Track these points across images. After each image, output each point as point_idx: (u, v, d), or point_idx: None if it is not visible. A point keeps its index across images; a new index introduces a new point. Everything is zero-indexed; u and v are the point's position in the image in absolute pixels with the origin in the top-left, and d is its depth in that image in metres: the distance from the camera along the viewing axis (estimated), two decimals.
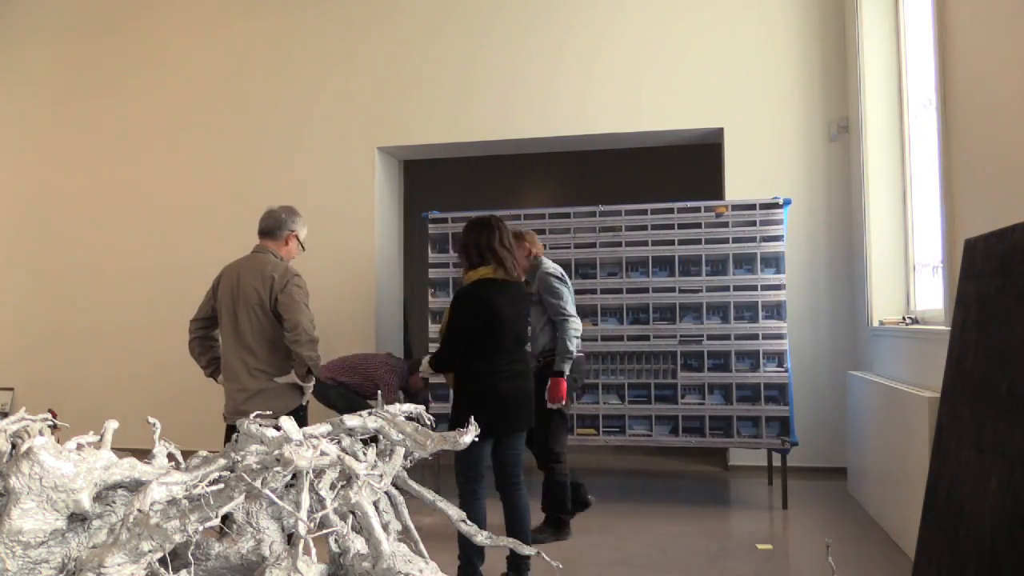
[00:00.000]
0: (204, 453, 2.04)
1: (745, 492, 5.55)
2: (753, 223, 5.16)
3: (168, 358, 7.03)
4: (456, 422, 3.45)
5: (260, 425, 2.04)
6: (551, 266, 4.46)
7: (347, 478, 1.98)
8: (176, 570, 1.80)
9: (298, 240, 3.84)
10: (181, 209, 7.10)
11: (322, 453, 1.88)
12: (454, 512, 2.31)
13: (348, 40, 6.86)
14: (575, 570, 3.82)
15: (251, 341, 3.64)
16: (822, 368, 5.93)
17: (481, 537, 2.24)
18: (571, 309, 4.32)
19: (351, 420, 2.16)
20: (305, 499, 1.73)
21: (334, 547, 1.99)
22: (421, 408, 2.43)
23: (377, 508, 2.20)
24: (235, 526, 2.07)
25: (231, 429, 3.63)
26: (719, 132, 6.26)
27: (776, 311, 5.11)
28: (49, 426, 2.29)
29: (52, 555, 1.78)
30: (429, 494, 2.43)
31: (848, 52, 5.89)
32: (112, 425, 2.32)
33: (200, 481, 1.81)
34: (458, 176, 9.20)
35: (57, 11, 7.55)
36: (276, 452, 1.82)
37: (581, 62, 6.43)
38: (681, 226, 5.25)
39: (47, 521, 1.75)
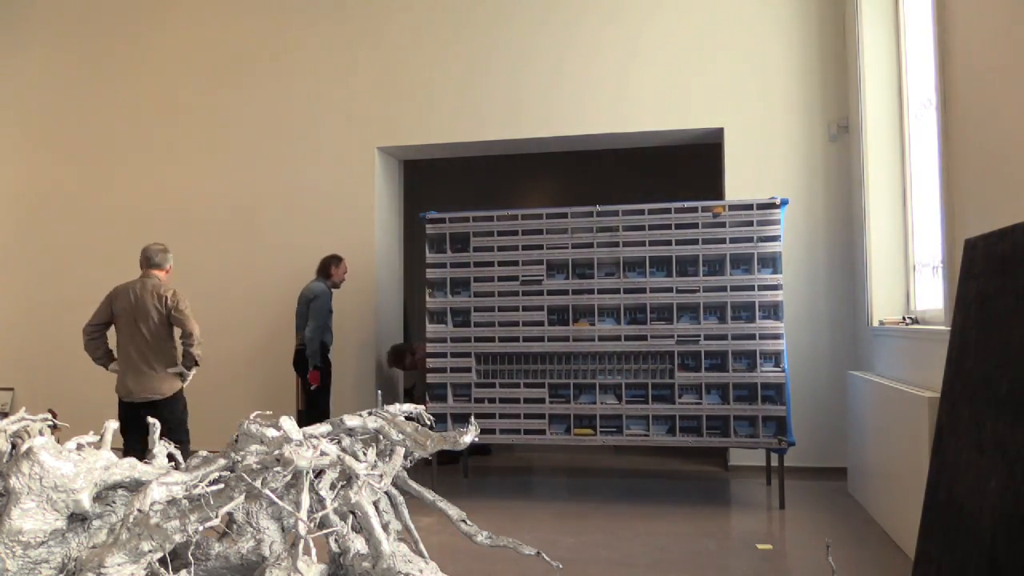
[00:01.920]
0: (204, 453, 2.04)
1: (744, 492, 5.55)
2: (750, 223, 5.16)
3: None
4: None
5: (260, 425, 2.04)
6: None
7: (347, 478, 1.98)
8: (176, 570, 1.80)
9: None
10: (181, 209, 7.09)
11: (322, 453, 1.88)
12: (454, 512, 2.32)
13: (348, 40, 6.86)
14: (575, 570, 3.82)
15: (150, 341, 4.96)
16: (822, 368, 5.93)
17: (481, 537, 2.24)
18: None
19: (351, 420, 2.16)
20: (305, 499, 1.73)
21: (334, 547, 1.99)
22: (421, 408, 2.44)
23: (377, 508, 2.20)
24: (235, 526, 2.07)
25: (124, 405, 4.99)
26: (719, 132, 6.26)
27: (773, 311, 5.11)
28: (49, 426, 2.29)
29: (52, 555, 1.78)
30: (429, 494, 2.43)
31: (848, 52, 5.89)
32: (112, 425, 2.31)
33: (200, 481, 1.81)
34: (458, 176, 9.20)
35: (57, 12, 7.54)
36: (276, 452, 1.82)
37: (581, 62, 6.42)
38: (678, 226, 5.25)
39: (47, 521, 1.75)
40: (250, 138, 7.00)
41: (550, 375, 5.33)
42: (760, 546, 4.23)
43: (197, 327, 4.97)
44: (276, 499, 1.74)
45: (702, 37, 6.23)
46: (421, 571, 1.87)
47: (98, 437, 2.19)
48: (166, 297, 5.01)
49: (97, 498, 1.91)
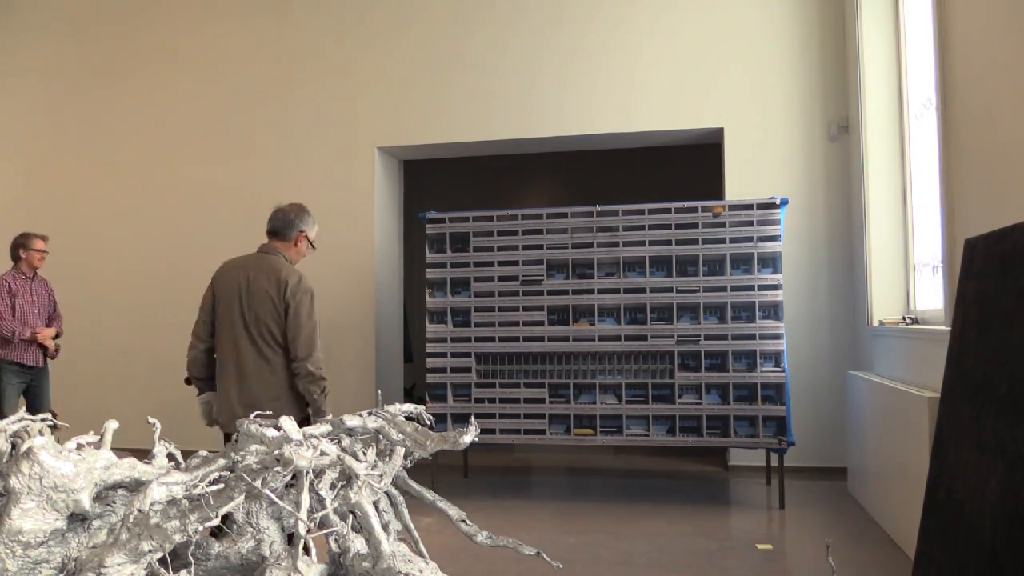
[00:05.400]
0: (204, 453, 2.04)
1: (744, 492, 5.55)
2: (750, 223, 5.16)
3: (168, 358, 7.02)
4: None
5: (260, 425, 2.04)
6: None
7: (347, 478, 1.98)
8: (176, 570, 1.80)
9: (308, 240, 3.69)
10: (181, 208, 7.10)
11: (322, 453, 1.88)
12: (454, 512, 2.31)
13: (348, 40, 6.86)
14: (575, 570, 3.82)
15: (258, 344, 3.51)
16: (822, 368, 5.93)
17: (481, 537, 2.24)
18: None
19: (351, 420, 2.16)
20: (305, 499, 1.73)
21: (334, 547, 1.99)
22: (421, 408, 2.44)
23: (377, 508, 2.20)
24: (235, 526, 2.07)
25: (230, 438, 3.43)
26: (719, 132, 6.26)
27: (773, 311, 5.11)
28: (49, 426, 2.28)
29: (52, 555, 1.78)
30: (429, 494, 2.43)
31: (848, 52, 5.89)
32: (112, 425, 2.31)
33: (200, 481, 1.81)
34: (458, 176, 9.21)
35: (58, 11, 7.54)
36: (276, 452, 1.82)
37: (582, 63, 6.42)
38: (678, 226, 5.25)
39: (47, 521, 1.75)
40: (250, 138, 7.00)
41: (550, 375, 5.33)
42: (760, 546, 4.23)
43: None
44: (276, 499, 1.74)
45: (702, 38, 6.23)
46: (421, 571, 1.87)
47: (98, 437, 2.19)
48: (286, 283, 3.51)
49: (97, 498, 1.91)
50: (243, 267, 3.56)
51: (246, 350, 3.50)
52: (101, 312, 7.21)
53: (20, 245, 5.73)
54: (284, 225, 3.61)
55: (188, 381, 3.78)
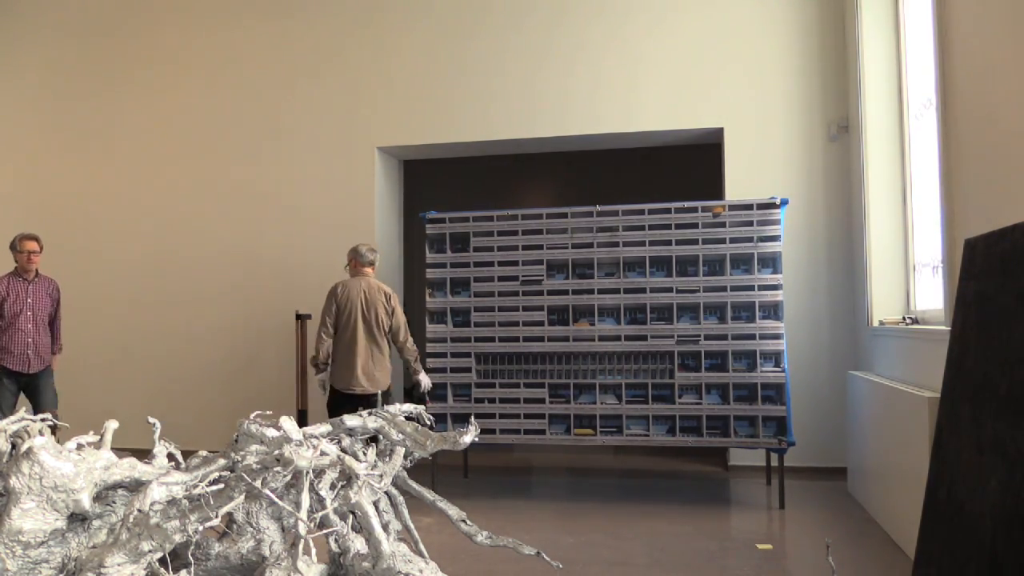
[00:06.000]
0: (204, 453, 2.04)
1: (744, 492, 5.55)
2: (750, 223, 5.16)
3: (168, 358, 7.03)
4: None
5: (260, 425, 2.04)
6: None
7: (347, 478, 1.98)
8: (176, 570, 1.80)
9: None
10: (181, 209, 7.10)
11: (322, 453, 1.88)
12: (454, 512, 2.32)
13: (349, 40, 6.86)
14: (575, 570, 3.82)
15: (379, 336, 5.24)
16: (822, 368, 5.93)
17: (481, 537, 2.24)
18: None
19: (351, 420, 2.17)
20: (305, 499, 1.73)
21: (334, 547, 1.99)
22: (421, 408, 2.44)
23: (377, 508, 2.20)
24: (235, 526, 2.07)
25: (347, 396, 5.16)
26: (719, 132, 6.26)
27: (773, 311, 5.11)
28: (49, 426, 2.29)
29: (52, 555, 1.78)
30: (429, 494, 2.43)
31: (848, 52, 5.90)
32: (112, 425, 2.31)
33: (200, 481, 1.81)
34: (458, 176, 9.20)
35: (57, 11, 7.54)
36: (276, 452, 1.83)
37: (581, 62, 6.42)
38: (678, 226, 5.25)
39: (47, 521, 1.75)
40: (250, 138, 7.00)
41: (550, 375, 5.32)
42: (760, 546, 4.23)
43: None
44: (276, 499, 1.74)
45: (703, 38, 6.23)
46: (421, 571, 1.87)
47: (98, 437, 2.19)
48: (391, 295, 5.33)
49: (97, 498, 1.91)
50: (357, 286, 5.25)
51: (368, 338, 5.20)
52: (102, 312, 7.21)
53: (11, 247, 5.69)
54: (375, 259, 5.39)
55: (315, 365, 5.27)
